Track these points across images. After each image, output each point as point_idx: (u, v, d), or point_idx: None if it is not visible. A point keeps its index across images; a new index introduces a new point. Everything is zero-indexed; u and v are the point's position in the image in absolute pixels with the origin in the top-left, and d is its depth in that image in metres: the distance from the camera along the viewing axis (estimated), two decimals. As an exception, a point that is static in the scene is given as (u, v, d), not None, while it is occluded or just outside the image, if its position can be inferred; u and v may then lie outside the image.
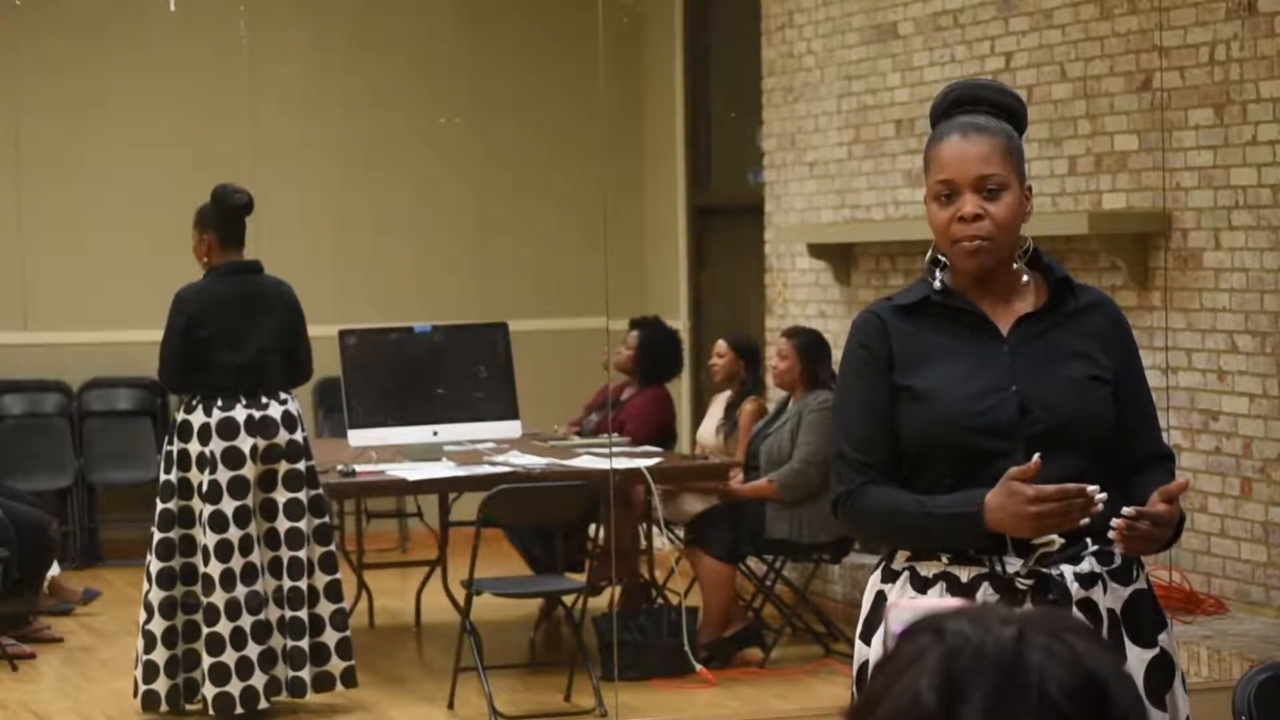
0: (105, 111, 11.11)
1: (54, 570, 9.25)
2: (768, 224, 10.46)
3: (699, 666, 7.98)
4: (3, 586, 8.61)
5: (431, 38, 11.63)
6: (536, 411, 9.19)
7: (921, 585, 3.41)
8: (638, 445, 8.65)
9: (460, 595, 7.77)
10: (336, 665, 7.38)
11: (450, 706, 7.62)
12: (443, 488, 8.18)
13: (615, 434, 8.70)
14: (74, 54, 11.05)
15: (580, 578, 8.43)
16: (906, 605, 3.30)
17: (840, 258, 9.76)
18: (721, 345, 8.86)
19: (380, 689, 7.99)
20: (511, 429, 8.43)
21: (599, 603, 8.31)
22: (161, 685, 7.28)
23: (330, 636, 7.37)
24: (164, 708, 7.31)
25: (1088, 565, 3.39)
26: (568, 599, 8.06)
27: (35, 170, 11.03)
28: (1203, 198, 7.62)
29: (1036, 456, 3.29)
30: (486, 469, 8.03)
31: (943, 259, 3.49)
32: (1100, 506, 3.29)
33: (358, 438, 8.25)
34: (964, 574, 3.38)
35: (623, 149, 11.60)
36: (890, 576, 3.46)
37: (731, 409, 8.77)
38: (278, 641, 7.29)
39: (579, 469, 8.05)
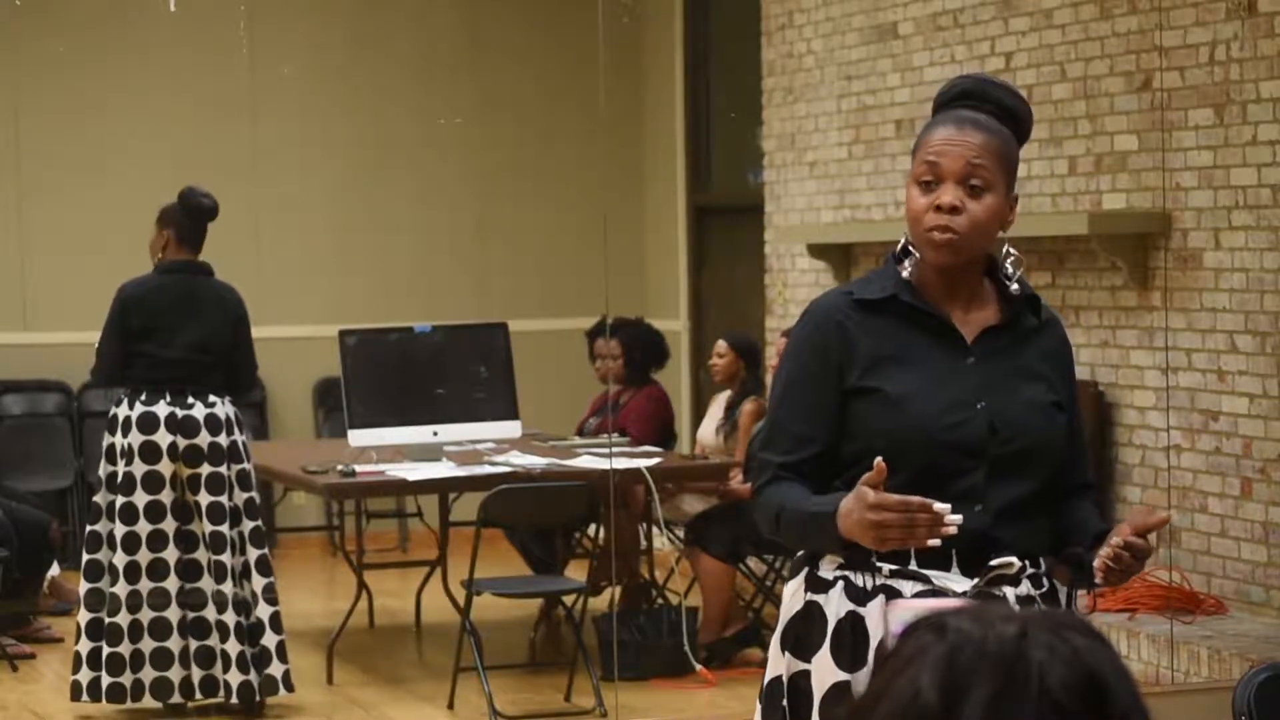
0: (105, 111, 11.11)
1: (54, 570, 9.25)
2: (768, 224, 10.47)
3: (699, 666, 7.98)
4: (3, 586, 8.61)
5: (431, 38, 11.63)
6: (536, 411, 9.19)
7: (858, 597, 3.29)
8: (638, 445, 8.65)
9: (460, 595, 7.77)
10: (277, 668, 7.38)
11: (450, 706, 7.62)
12: (443, 488, 8.18)
13: (615, 434, 8.70)
14: (74, 54, 11.04)
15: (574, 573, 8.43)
16: (906, 605, 3.29)
17: (840, 258, 9.76)
18: (721, 345, 8.86)
19: (380, 689, 7.99)
20: (511, 429, 8.43)
21: (599, 603, 8.31)
22: (84, 676, 7.31)
23: (270, 639, 7.38)
24: (86, 697, 7.33)
25: (1025, 588, 3.30)
26: (568, 599, 8.06)
27: (35, 170, 11.03)
28: (1203, 198, 7.62)
29: (878, 460, 3.15)
30: (486, 469, 8.03)
31: (913, 250, 3.37)
32: (953, 529, 3.14)
33: (358, 438, 8.25)
34: (906, 588, 3.27)
35: (623, 149, 11.60)
36: (820, 586, 3.32)
37: (731, 409, 8.76)
38: (216, 642, 7.30)
39: (579, 469, 8.05)
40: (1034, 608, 3.21)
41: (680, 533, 8.46)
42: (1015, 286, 3.37)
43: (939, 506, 3.14)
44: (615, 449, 8.20)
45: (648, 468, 8.04)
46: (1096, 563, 3.25)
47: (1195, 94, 7.60)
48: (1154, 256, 7.87)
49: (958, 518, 3.15)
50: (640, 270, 11.69)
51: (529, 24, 11.77)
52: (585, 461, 8.20)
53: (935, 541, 3.16)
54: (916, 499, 3.14)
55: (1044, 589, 3.34)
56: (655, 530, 8.58)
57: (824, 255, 9.83)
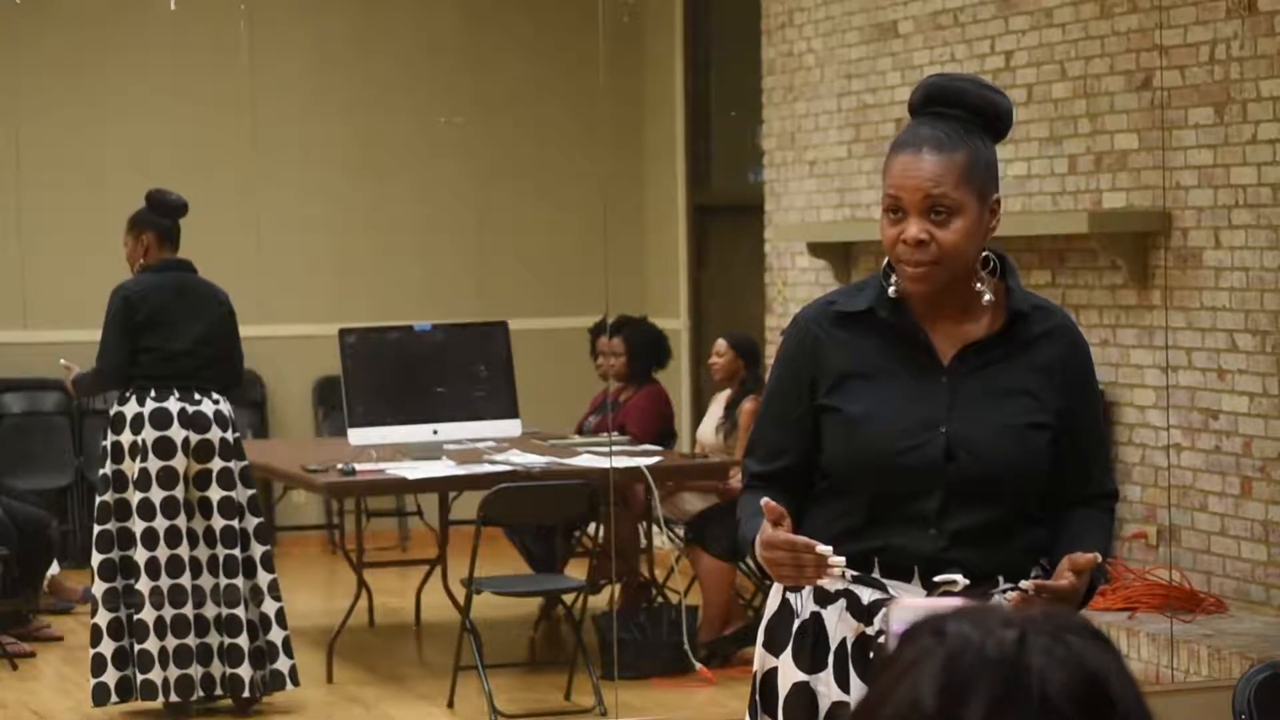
0: (105, 111, 11.11)
1: (54, 569, 9.26)
2: (768, 223, 10.47)
3: (699, 665, 7.98)
4: (3, 585, 8.61)
5: (431, 37, 11.63)
6: (536, 410, 9.19)
7: (823, 599, 3.30)
8: (638, 444, 8.65)
9: (460, 594, 7.77)
10: (284, 663, 7.40)
11: (450, 705, 7.63)
12: (443, 486, 8.18)
13: (615, 433, 8.70)
14: (74, 54, 11.05)
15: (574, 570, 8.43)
16: (907, 605, 3.28)
17: (840, 256, 9.76)
18: (721, 344, 8.86)
19: (380, 688, 7.99)
20: (511, 428, 8.43)
21: (599, 601, 8.31)
22: (110, 677, 7.30)
23: (277, 634, 7.40)
24: (114, 699, 7.32)
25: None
26: (567, 598, 8.06)
27: (35, 170, 11.02)
28: (1203, 196, 7.62)
29: (765, 500, 3.19)
30: (486, 468, 8.03)
31: None
32: (839, 571, 3.17)
33: (358, 436, 8.26)
34: (865, 595, 3.27)
35: (623, 148, 11.60)
36: (796, 585, 3.34)
37: (731, 408, 8.76)
38: (214, 639, 7.31)
39: (579, 468, 8.05)
40: (1038, 609, 3.19)
41: (680, 531, 8.47)
42: (989, 297, 3.28)
43: (821, 549, 3.15)
44: (615, 448, 8.20)
45: (648, 466, 8.04)
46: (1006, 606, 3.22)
47: (1195, 93, 7.60)
48: (1154, 255, 7.87)
49: (840, 559, 3.16)
50: (640, 269, 11.69)
51: (529, 23, 11.77)
52: (585, 460, 8.20)
53: (824, 581, 3.21)
54: (802, 540, 3.16)
55: None
56: (655, 529, 8.58)
57: (824, 254, 9.83)
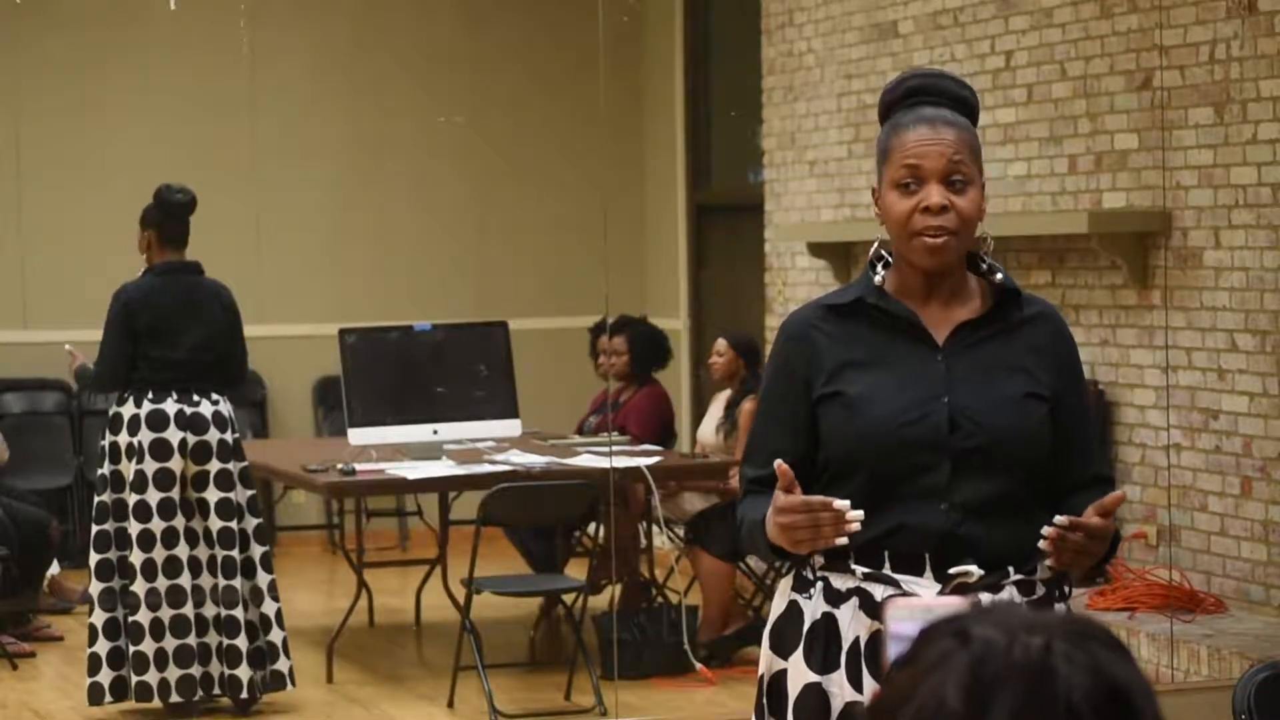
0: (105, 111, 11.10)
1: (54, 569, 9.26)
2: (768, 222, 10.47)
3: (699, 665, 7.99)
4: (3, 585, 8.61)
5: (431, 37, 11.63)
6: (536, 410, 9.19)
7: (834, 599, 3.29)
8: (638, 444, 8.65)
9: (460, 594, 7.77)
10: (283, 664, 7.41)
11: (450, 705, 7.63)
12: (443, 486, 8.18)
13: (616, 433, 8.70)
14: (74, 54, 11.04)
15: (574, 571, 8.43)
16: (905, 604, 3.27)
17: (840, 256, 9.76)
18: (721, 344, 8.86)
19: (380, 687, 7.99)
20: (511, 428, 8.43)
21: (599, 601, 8.31)
22: (105, 677, 7.31)
23: (276, 635, 7.41)
24: (108, 699, 7.33)
25: (1008, 595, 3.25)
26: (567, 598, 8.06)
27: (35, 170, 11.02)
28: (1203, 196, 7.62)
29: (778, 462, 3.19)
30: (486, 468, 8.03)
31: (885, 256, 3.38)
32: (857, 526, 3.16)
33: (358, 436, 8.26)
34: (878, 592, 3.26)
35: (623, 148, 11.60)
36: (803, 586, 3.34)
37: (731, 408, 8.77)
38: (213, 639, 7.32)
39: (579, 468, 8.05)
40: (1055, 613, 3.19)
41: (680, 531, 8.47)
42: (1000, 276, 3.35)
43: (839, 504, 3.16)
44: (615, 448, 8.20)
45: (648, 466, 8.03)
46: (1043, 543, 3.21)
47: (1195, 93, 7.60)
48: (1154, 255, 7.87)
49: (859, 514, 3.16)
50: (640, 269, 11.69)
51: (529, 23, 11.77)
52: (585, 460, 8.20)
53: (842, 540, 3.19)
54: (817, 498, 3.18)
55: (1035, 596, 3.29)
56: (655, 529, 8.58)
57: (824, 254, 9.83)
